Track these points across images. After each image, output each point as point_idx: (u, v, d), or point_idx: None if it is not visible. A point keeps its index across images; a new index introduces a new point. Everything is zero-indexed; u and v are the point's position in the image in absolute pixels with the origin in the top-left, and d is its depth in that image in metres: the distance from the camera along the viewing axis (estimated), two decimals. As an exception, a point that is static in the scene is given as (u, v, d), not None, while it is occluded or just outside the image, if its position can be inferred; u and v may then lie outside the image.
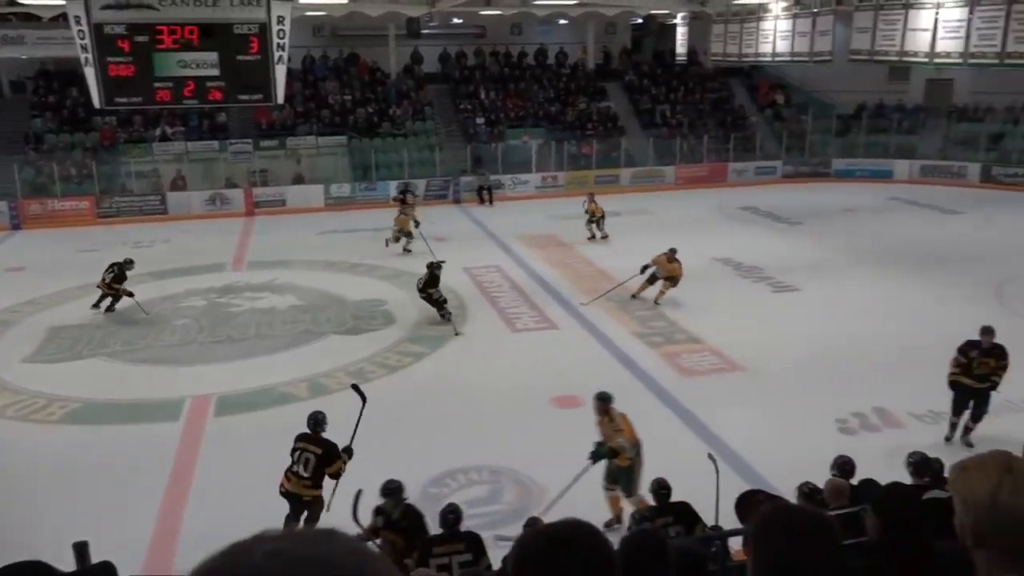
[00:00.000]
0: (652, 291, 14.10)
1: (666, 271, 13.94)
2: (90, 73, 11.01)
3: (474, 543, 5.90)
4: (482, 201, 24.16)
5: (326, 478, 7.23)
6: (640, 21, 30.70)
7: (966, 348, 8.68)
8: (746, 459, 8.30)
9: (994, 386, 8.63)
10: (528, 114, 27.57)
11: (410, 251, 17.54)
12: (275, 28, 11.31)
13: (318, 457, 7.17)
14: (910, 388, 10.00)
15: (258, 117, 24.93)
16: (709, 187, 25.41)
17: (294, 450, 7.30)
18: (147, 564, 6.97)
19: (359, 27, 26.44)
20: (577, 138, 26.61)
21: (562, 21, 28.70)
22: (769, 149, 27.54)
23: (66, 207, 22.14)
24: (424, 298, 13.23)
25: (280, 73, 11.61)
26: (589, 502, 7.19)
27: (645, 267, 14.07)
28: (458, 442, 9.08)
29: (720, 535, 5.29)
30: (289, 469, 7.26)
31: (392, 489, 6.47)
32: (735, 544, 5.26)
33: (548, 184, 25.25)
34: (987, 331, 8.67)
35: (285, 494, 7.26)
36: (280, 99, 12.27)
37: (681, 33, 26.47)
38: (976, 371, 8.60)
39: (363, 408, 7.39)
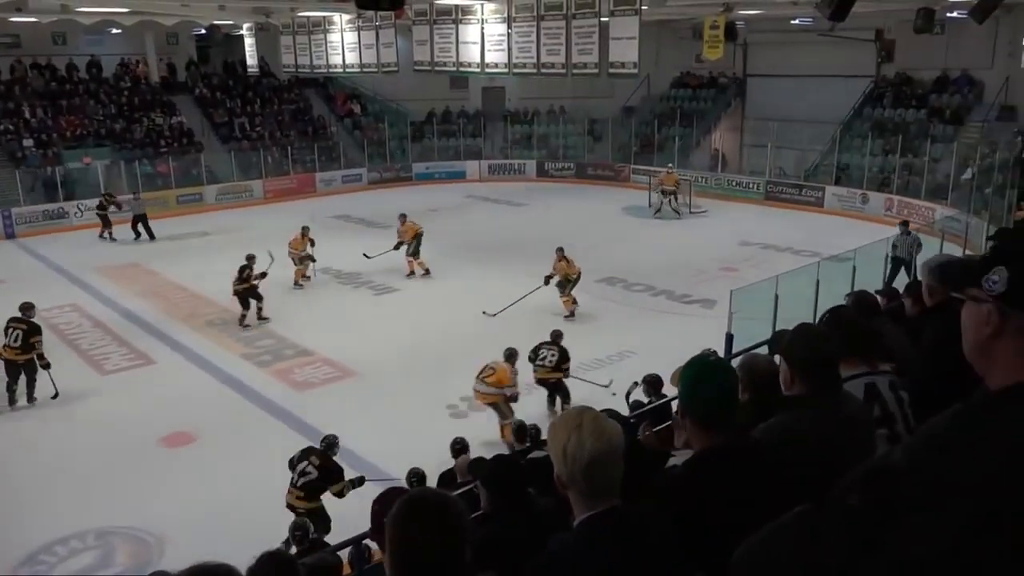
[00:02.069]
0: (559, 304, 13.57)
1: (563, 272, 13.58)
2: None
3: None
4: (138, 235, 20.50)
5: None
6: (203, 32, 29.39)
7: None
8: (371, 461, 8.50)
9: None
10: (88, 133, 24.82)
11: None
12: None
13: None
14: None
15: None
16: (299, 199, 25.35)
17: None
18: None
19: None
20: (150, 156, 24.66)
21: (115, 31, 26.27)
22: (353, 157, 28.30)
23: None
24: None
25: None
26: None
27: (548, 277, 13.76)
28: (53, 510, 7.96)
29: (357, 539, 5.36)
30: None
31: None
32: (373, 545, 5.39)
33: (125, 210, 23.00)
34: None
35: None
36: None
37: (249, 44, 25.86)
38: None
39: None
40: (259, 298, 13.68)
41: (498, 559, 2.40)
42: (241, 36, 25.66)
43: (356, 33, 20.40)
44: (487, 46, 16.04)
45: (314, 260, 16.10)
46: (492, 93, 30.23)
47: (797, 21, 21.63)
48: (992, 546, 0.95)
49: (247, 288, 13.51)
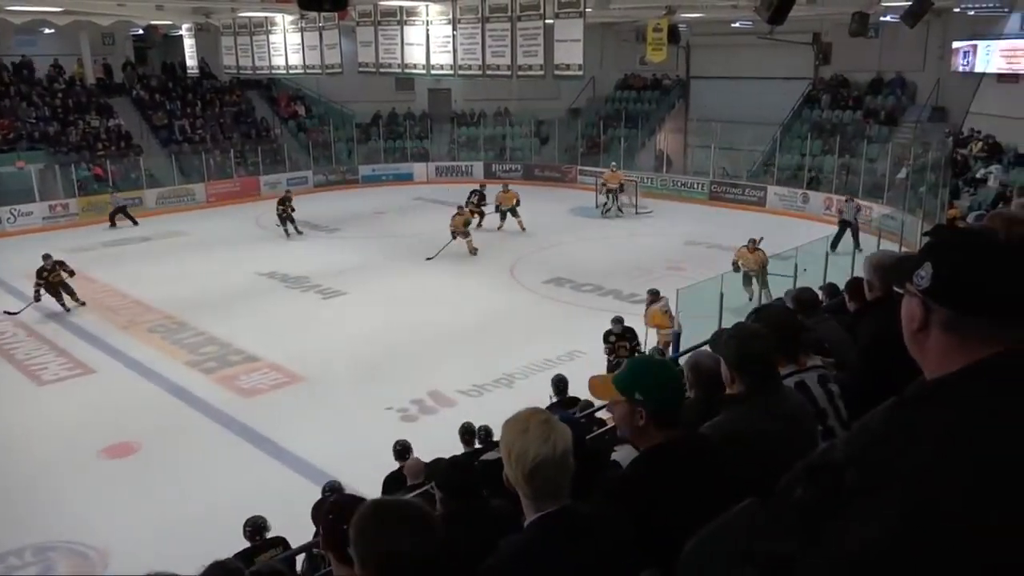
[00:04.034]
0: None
1: (753, 262, 13.31)
2: None
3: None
4: (113, 224, 21.73)
5: None
6: (141, 32, 28.70)
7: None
8: (319, 466, 8.40)
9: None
10: (21, 136, 24.04)
11: None
12: None
13: None
14: (453, 368, 11.11)
15: None
16: (243, 202, 24.93)
17: None
18: None
19: None
20: (87, 160, 24.00)
21: (48, 31, 25.48)
22: (298, 160, 27.94)
23: None
24: None
25: None
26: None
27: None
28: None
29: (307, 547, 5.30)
30: None
31: None
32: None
33: (59, 214, 22.35)
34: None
35: None
36: None
37: (189, 45, 25.32)
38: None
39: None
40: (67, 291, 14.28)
41: (454, 561, 2.39)
42: (180, 37, 25.16)
43: (299, 34, 20.15)
44: (432, 47, 16.00)
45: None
46: (438, 95, 30.14)
47: (738, 24, 22.02)
48: (924, 533, 0.99)
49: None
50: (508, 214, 20.20)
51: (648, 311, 11.10)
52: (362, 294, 15.19)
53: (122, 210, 22.31)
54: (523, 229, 19.86)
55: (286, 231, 19.81)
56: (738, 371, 2.52)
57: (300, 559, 5.43)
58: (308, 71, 20.71)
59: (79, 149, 24.35)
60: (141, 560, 6.36)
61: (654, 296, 11.20)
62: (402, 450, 7.01)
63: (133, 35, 29.07)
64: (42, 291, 14.14)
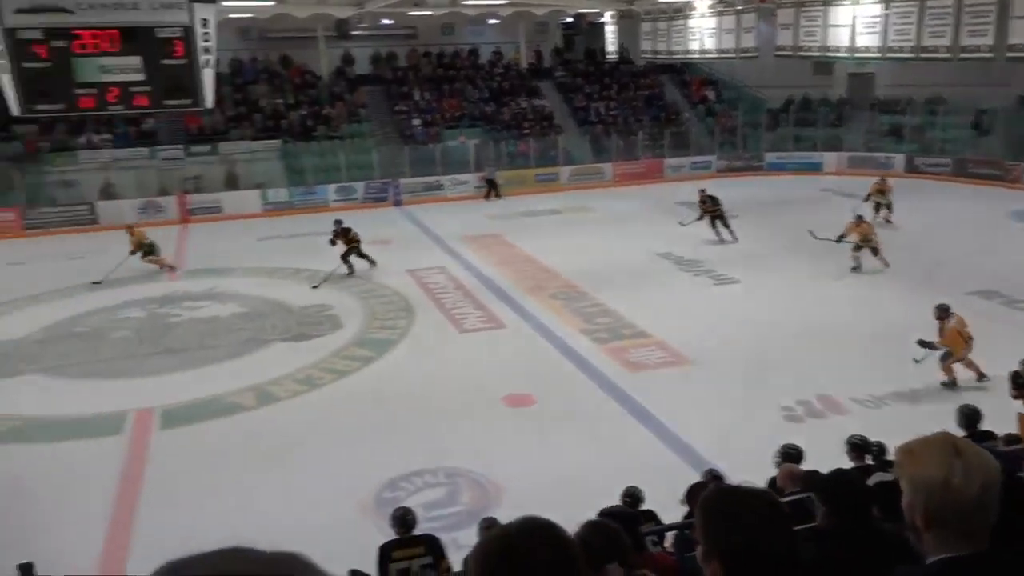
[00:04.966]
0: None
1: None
2: (6, 80, 10.59)
3: (433, 545, 5.89)
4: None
5: None
6: (570, 20, 30.99)
7: None
8: (697, 450, 8.50)
9: None
10: (464, 114, 27.59)
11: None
12: (200, 31, 11.03)
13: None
14: (849, 374, 10.38)
15: (188, 123, 24.35)
16: (646, 183, 25.81)
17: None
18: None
19: (287, 29, 26.04)
20: (514, 137, 26.74)
21: (493, 21, 28.77)
22: (703, 144, 28.09)
23: (-10, 219, 21.32)
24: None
25: (208, 77, 11.33)
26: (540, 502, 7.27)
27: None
28: (411, 445, 9.05)
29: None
30: None
31: None
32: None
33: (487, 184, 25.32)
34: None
35: None
36: (210, 103, 11.99)
37: (611, 31, 26.77)
38: None
39: None
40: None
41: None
42: (604, 24, 26.68)
43: (717, 18, 20.14)
44: (858, 29, 14.94)
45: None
46: (859, 79, 28.05)
47: None
48: None
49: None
50: (884, 207, 18.52)
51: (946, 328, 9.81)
52: (755, 283, 14.86)
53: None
54: (889, 221, 18.39)
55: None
56: None
57: (670, 535, 5.55)
58: (722, 55, 20.64)
59: (508, 127, 27.22)
60: (528, 503, 7.03)
61: (944, 312, 9.99)
62: (789, 452, 6.62)
63: (563, 24, 31.52)
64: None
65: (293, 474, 8.52)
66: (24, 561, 4.35)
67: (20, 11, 10.47)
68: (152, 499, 8.18)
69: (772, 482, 6.41)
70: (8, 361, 12.24)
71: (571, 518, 3.71)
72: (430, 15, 26.50)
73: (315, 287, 15.44)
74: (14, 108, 11.07)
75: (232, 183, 23.70)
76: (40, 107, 11.31)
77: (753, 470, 6.74)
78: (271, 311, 14.24)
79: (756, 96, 29.15)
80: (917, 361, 9.89)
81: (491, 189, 24.52)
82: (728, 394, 10.14)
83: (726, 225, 17.84)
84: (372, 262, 16.39)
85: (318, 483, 8.29)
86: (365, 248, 16.33)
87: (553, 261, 16.53)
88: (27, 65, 10.51)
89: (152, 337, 13.21)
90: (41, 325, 13.77)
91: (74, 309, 14.49)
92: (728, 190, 23.72)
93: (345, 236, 16.19)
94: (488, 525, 5.58)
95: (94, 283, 15.88)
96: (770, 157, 27.54)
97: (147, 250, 16.92)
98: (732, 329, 12.47)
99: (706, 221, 17.94)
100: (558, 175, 26.01)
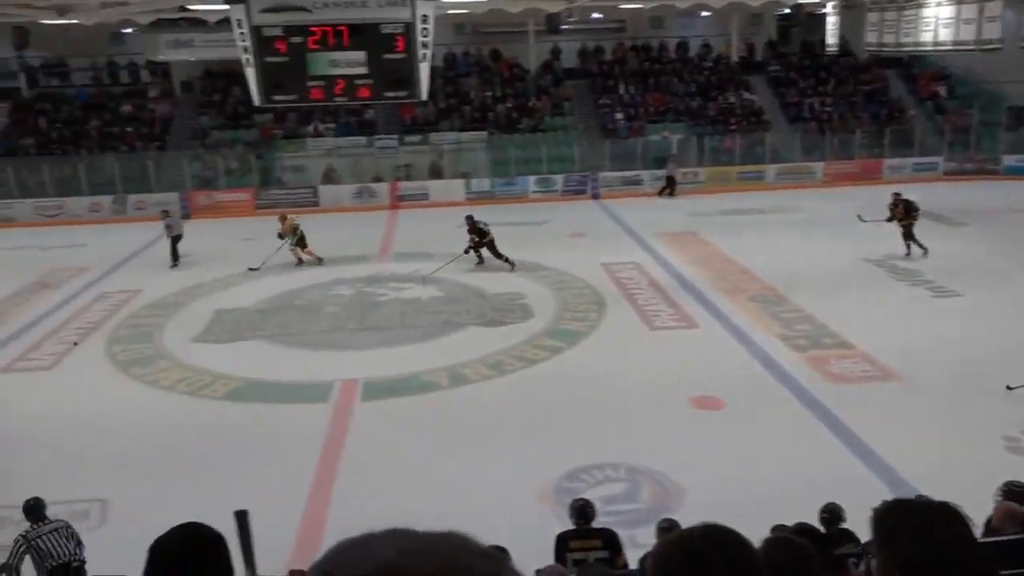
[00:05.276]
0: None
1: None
2: (250, 73, 11.68)
3: (611, 540, 5.87)
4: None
5: None
6: (787, 11, 29.55)
7: None
8: (901, 474, 7.85)
9: None
10: (668, 109, 27.13)
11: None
12: (420, 27, 11.60)
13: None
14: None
15: (403, 113, 25.77)
16: (860, 184, 24.13)
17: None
18: (299, 538, 7.36)
19: (500, 24, 26.80)
20: (719, 133, 25.95)
21: (704, 13, 27.99)
22: (929, 144, 25.86)
23: (229, 199, 23.72)
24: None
25: (424, 71, 11.90)
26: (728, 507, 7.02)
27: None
28: (595, 438, 9.06)
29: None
30: None
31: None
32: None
33: (688, 180, 24.72)
34: None
35: None
36: (425, 95, 12.60)
37: (832, 23, 25.22)
38: None
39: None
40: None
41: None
42: (823, 15, 25.20)
43: (955, 7, 18.46)
44: None
45: None
46: None
47: None
48: None
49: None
50: None
51: None
52: (980, 299, 13.49)
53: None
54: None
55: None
56: None
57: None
58: (958, 47, 18.90)
59: (714, 123, 26.44)
60: (709, 507, 6.81)
61: None
62: (1012, 489, 5.89)
63: (779, 15, 30.14)
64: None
65: (478, 454, 8.79)
66: (240, 509, 4.77)
67: (265, 10, 11.52)
68: (352, 465, 8.75)
69: (988, 521, 5.79)
70: (237, 327, 13.55)
71: (756, 532, 3.55)
72: (640, 8, 26.26)
73: (253, 269, 16.61)
74: (256, 99, 12.23)
75: (437, 172, 24.81)
76: (277, 98, 12.41)
77: (968, 505, 6.10)
78: (466, 296, 14.76)
79: (996, 92, 26.39)
80: None
81: (668, 186, 23.93)
82: (942, 417, 9.31)
83: (911, 237, 16.06)
84: (509, 261, 16.31)
85: (501, 465, 8.50)
86: (500, 247, 16.38)
87: (753, 262, 15.89)
88: (268, 59, 11.54)
89: (359, 314, 14.12)
90: (265, 296, 15.14)
91: (293, 284, 15.80)
92: (956, 194, 21.81)
93: (477, 232, 16.34)
94: (667, 527, 5.48)
95: (251, 269, 16.74)
96: (1008, 160, 24.84)
97: (299, 240, 17.17)
98: (950, 346, 11.40)
99: (896, 228, 16.20)
100: (763, 173, 24.94)
